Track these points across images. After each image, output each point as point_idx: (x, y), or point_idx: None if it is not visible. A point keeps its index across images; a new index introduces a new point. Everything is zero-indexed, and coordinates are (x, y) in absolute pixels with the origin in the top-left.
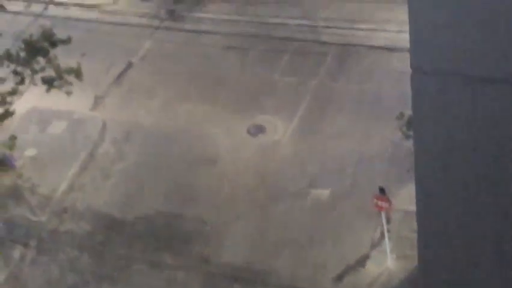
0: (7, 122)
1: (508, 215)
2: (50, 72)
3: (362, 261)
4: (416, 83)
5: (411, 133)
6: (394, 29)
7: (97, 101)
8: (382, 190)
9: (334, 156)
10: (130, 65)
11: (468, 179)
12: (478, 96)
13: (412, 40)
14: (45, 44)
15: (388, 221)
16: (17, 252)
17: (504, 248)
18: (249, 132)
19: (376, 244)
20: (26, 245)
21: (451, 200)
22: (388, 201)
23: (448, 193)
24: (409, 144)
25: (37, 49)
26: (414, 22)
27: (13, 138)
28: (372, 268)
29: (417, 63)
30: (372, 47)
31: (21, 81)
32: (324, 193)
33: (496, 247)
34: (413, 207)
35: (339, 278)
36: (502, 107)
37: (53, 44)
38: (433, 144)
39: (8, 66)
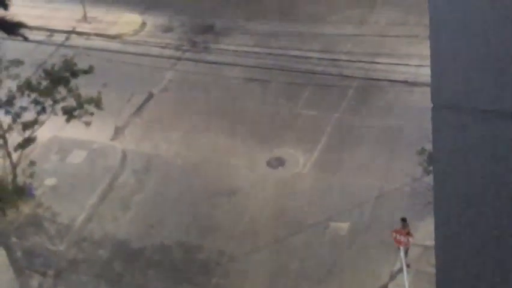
0: (28, 151)
1: None
2: (70, 102)
3: None
4: (436, 118)
5: (431, 168)
6: (415, 63)
7: (117, 131)
8: (404, 220)
9: (353, 190)
10: (151, 96)
11: (489, 216)
12: (500, 133)
13: (433, 74)
14: (67, 74)
15: (406, 254)
16: (35, 281)
17: None
18: (269, 164)
19: (394, 278)
20: (44, 274)
21: (470, 237)
22: (408, 234)
23: (467, 230)
24: (429, 179)
25: (58, 79)
26: (436, 56)
27: (32, 164)
28: None
29: (438, 98)
30: (393, 82)
31: (42, 111)
32: (343, 226)
33: None
34: (431, 242)
35: None
36: None
37: (75, 74)
38: (453, 180)
39: (28, 96)
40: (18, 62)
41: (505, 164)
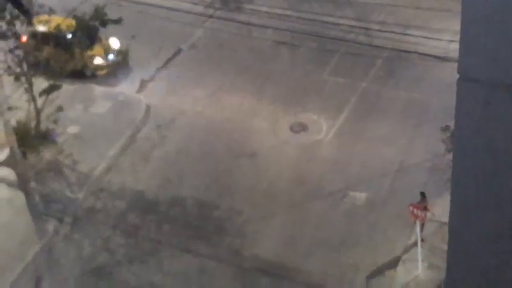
0: (52, 97)
1: None
2: (98, 51)
3: (393, 267)
4: (461, 90)
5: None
6: (447, 38)
7: (143, 85)
8: (423, 194)
9: (374, 161)
10: (179, 52)
11: (506, 192)
12: None
13: (462, 46)
14: (96, 23)
15: (422, 229)
16: (51, 226)
17: None
18: (291, 129)
19: (408, 251)
20: (61, 221)
21: (485, 212)
22: (425, 208)
23: (483, 205)
24: (451, 157)
25: (88, 27)
26: (466, 28)
27: (59, 109)
28: (402, 275)
29: (465, 71)
30: (423, 55)
31: (70, 58)
32: (360, 197)
33: None
34: (448, 219)
35: (369, 281)
36: None
37: (104, 23)
38: (473, 154)
39: None
40: (50, 10)
41: None
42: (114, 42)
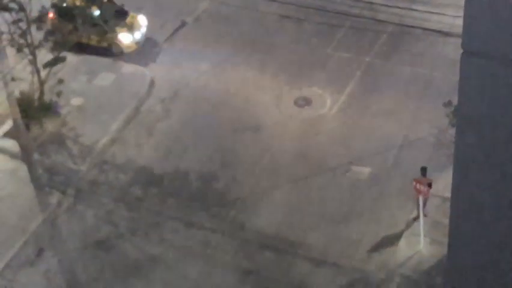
0: (56, 69)
1: None
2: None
3: (395, 242)
4: (465, 64)
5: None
6: (452, 14)
7: (148, 57)
8: (424, 169)
9: (378, 136)
10: (183, 24)
11: (508, 167)
12: None
13: (466, 19)
14: None
15: (424, 204)
16: (54, 198)
17: None
18: (296, 103)
19: (410, 226)
20: (64, 193)
21: (487, 187)
22: (428, 184)
23: (485, 180)
24: (454, 131)
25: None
26: (470, 3)
27: (60, 82)
28: (404, 249)
29: (469, 44)
30: (427, 30)
31: (74, 30)
32: (364, 171)
33: None
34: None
35: (371, 255)
36: None
37: None
38: (476, 127)
39: None
40: None
41: None
42: (142, 19)
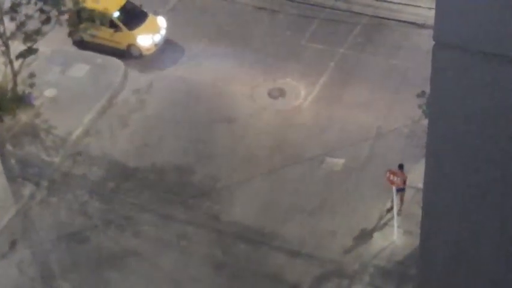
0: (30, 60)
1: None
2: None
3: (369, 233)
4: (437, 57)
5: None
6: (426, 6)
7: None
8: (401, 166)
9: (352, 127)
10: (156, 15)
11: (479, 159)
12: (500, 76)
13: (438, 12)
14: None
15: (402, 202)
16: (27, 190)
17: (508, 227)
18: (270, 94)
19: (384, 217)
20: (37, 184)
21: (459, 178)
22: (403, 181)
23: (457, 170)
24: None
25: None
26: None
27: (32, 75)
28: (378, 241)
29: (441, 37)
30: (402, 22)
31: (47, 21)
32: (338, 162)
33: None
34: None
35: (345, 246)
36: None
37: None
38: (448, 120)
39: (35, 4)
40: None
41: (502, 108)
42: (161, 21)
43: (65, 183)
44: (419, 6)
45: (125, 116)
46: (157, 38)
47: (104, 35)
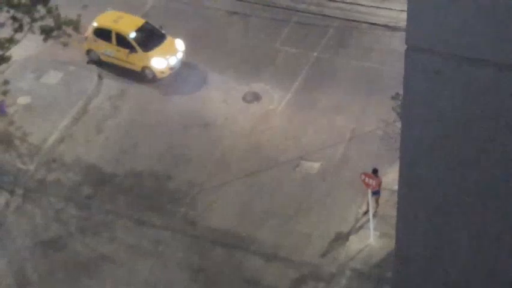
0: (3, 68)
1: (490, 199)
2: (49, 22)
3: (345, 236)
4: (410, 60)
5: None
6: (397, 8)
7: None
8: (375, 171)
9: (327, 130)
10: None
11: (453, 161)
12: (472, 79)
13: (410, 16)
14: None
15: (377, 204)
16: (2, 198)
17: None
18: (244, 99)
19: (360, 219)
20: (12, 192)
21: (433, 180)
22: (378, 184)
23: (431, 172)
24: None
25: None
26: None
27: (5, 83)
28: (354, 243)
29: (413, 40)
30: (374, 25)
31: (20, 28)
32: (314, 166)
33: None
34: None
35: (321, 249)
36: (495, 91)
37: None
38: (421, 123)
39: (8, 12)
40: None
41: (476, 112)
42: (179, 44)
43: (40, 190)
44: (390, 9)
45: (100, 122)
46: (173, 61)
47: (120, 55)
